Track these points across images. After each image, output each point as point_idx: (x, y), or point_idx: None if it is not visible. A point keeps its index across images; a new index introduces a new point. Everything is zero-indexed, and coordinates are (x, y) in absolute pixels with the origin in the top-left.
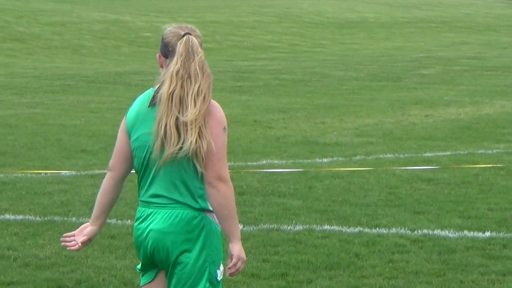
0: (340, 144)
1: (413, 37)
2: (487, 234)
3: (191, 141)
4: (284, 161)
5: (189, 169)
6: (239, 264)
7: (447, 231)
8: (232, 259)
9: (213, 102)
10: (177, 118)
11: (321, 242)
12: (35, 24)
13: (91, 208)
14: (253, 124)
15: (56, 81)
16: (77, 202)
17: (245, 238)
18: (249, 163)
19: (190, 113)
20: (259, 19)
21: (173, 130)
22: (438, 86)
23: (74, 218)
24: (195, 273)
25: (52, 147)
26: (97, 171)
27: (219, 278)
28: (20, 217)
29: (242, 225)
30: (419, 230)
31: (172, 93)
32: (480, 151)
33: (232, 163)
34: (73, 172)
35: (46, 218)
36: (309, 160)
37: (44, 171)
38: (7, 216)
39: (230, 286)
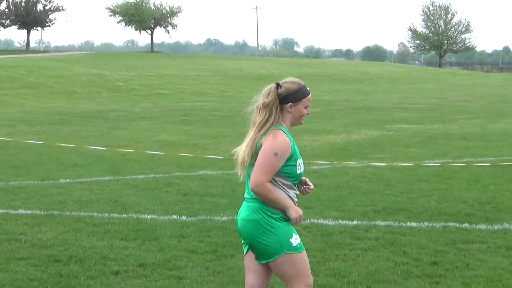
0: None
1: None
2: (355, 222)
3: (242, 155)
4: (215, 172)
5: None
6: (298, 220)
7: (327, 220)
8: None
9: (279, 132)
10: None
11: None
12: (41, 76)
13: (80, 206)
14: (193, 146)
15: (56, 116)
16: (70, 201)
17: (186, 226)
18: (191, 173)
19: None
20: (198, 73)
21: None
22: (322, 120)
23: (68, 212)
24: (273, 245)
25: (53, 162)
26: (84, 179)
27: (294, 244)
28: (29, 211)
29: (185, 216)
30: (308, 220)
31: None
32: (350, 165)
33: (179, 173)
34: (68, 180)
35: (48, 212)
36: (233, 171)
37: (46, 180)
38: (20, 210)
39: (174, 259)
